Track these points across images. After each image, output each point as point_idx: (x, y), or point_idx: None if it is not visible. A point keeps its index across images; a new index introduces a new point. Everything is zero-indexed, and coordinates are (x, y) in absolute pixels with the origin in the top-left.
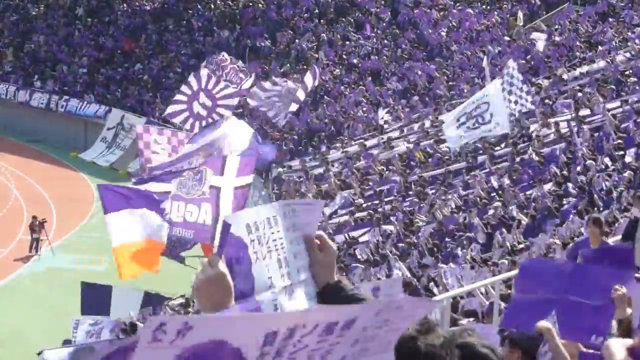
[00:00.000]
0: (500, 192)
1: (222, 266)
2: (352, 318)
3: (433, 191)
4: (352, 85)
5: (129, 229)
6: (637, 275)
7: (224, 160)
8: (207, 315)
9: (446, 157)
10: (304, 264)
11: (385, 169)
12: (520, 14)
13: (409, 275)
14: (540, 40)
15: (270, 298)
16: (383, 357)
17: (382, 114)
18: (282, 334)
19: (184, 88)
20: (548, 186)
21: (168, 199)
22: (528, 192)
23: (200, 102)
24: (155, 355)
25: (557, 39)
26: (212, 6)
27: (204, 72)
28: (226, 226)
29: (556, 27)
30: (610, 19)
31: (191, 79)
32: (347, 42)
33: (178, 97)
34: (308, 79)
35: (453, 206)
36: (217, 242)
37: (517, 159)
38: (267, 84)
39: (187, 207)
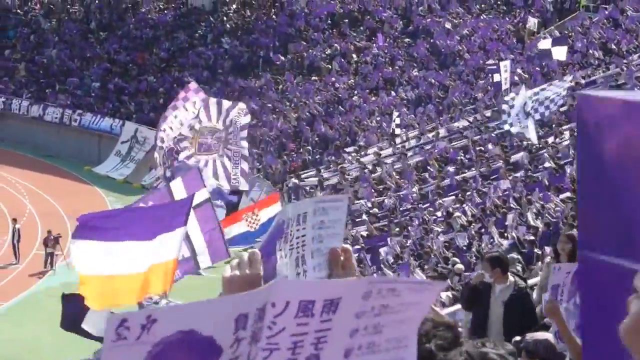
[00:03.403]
0: (517, 200)
1: (260, 266)
2: (331, 298)
3: (449, 200)
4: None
5: (96, 260)
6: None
7: (169, 190)
8: (169, 307)
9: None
10: (319, 262)
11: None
12: (533, 21)
13: None
14: (559, 51)
15: None
16: (399, 354)
17: (395, 119)
18: (253, 314)
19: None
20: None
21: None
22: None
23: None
24: (125, 354)
25: (577, 45)
26: (225, 18)
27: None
28: (279, 218)
29: (570, 34)
30: (623, 25)
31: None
32: (360, 52)
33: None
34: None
35: (469, 215)
36: (204, 261)
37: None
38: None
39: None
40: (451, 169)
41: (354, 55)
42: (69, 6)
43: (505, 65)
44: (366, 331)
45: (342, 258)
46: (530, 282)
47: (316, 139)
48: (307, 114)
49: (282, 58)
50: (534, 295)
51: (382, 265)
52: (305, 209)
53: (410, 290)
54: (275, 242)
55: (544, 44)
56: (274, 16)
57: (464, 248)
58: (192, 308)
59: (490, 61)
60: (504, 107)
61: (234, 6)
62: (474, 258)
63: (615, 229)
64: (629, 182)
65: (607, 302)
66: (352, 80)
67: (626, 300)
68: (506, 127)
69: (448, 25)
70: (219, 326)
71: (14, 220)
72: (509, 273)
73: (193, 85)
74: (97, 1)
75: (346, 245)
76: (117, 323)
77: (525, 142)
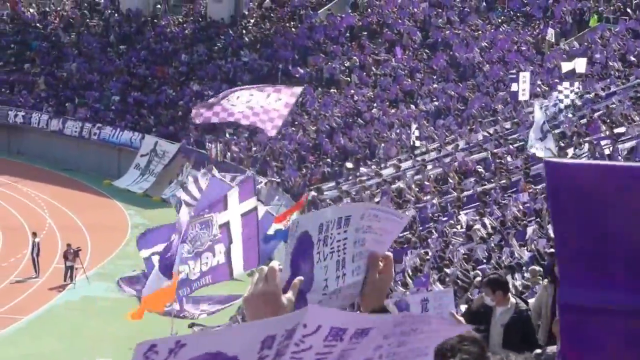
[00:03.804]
0: (537, 212)
1: (278, 281)
2: (362, 328)
3: (469, 212)
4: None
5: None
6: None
7: (225, 198)
8: (200, 333)
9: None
10: (359, 265)
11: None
12: (552, 33)
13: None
14: (578, 63)
15: (316, 299)
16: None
17: (414, 130)
18: (281, 335)
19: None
20: None
21: (185, 262)
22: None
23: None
24: None
25: (596, 56)
26: (244, 31)
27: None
28: (300, 225)
29: (589, 45)
30: None
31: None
32: (379, 65)
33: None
34: (286, 94)
35: (489, 227)
36: (238, 268)
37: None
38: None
39: (202, 259)
40: (471, 181)
41: (373, 68)
42: (88, 20)
43: (524, 76)
44: (390, 347)
45: (381, 264)
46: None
47: (335, 151)
48: (327, 126)
49: (301, 71)
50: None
51: (403, 277)
52: (349, 212)
53: (440, 323)
54: (305, 250)
55: (567, 66)
56: (293, 29)
57: (484, 260)
58: (222, 332)
59: (513, 71)
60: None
61: (253, 19)
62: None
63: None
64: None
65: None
66: (371, 93)
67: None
68: (532, 150)
69: (467, 37)
70: (245, 347)
71: (34, 234)
72: (510, 295)
73: None
74: (116, 15)
75: (388, 253)
76: (145, 348)
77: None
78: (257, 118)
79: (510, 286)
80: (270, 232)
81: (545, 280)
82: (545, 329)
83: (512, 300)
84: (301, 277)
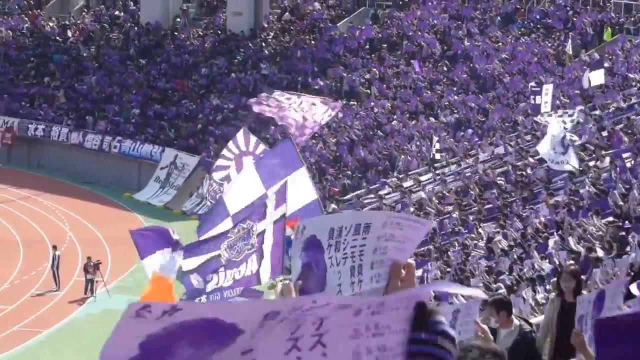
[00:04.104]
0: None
1: (293, 297)
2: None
3: (490, 224)
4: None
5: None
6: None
7: (265, 206)
8: (196, 302)
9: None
10: (379, 272)
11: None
12: (569, 45)
13: None
14: (597, 76)
15: None
16: (412, 291)
17: (435, 143)
18: (286, 312)
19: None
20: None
21: (218, 269)
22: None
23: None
24: (138, 326)
25: (617, 68)
26: (263, 44)
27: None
28: (307, 230)
29: (610, 56)
30: None
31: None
32: (399, 76)
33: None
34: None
35: (510, 240)
36: (265, 275)
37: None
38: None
39: (238, 268)
40: (493, 192)
41: (393, 80)
42: (108, 33)
43: (547, 88)
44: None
45: (403, 272)
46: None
47: (356, 163)
48: (346, 138)
49: (321, 83)
50: (539, 333)
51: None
52: (368, 219)
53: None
54: (315, 255)
55: (595, 79)
56: (312, 41)
57: (505, 273)
58: (221, 304)
59: (533, 83)
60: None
61: (273, 32)
62: (515, 283)
63: None
64: None
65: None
66: (391, 105)
67: None
68: (553, 165)
69: (487, 49)
70: (245, 317)
71: (54, 247)
72: (513, 316)
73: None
74: (136, 28)
75: (411, 260)
76: (139, 307)
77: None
78: (297, 125)
79: (531, 299)
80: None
81: (553, 294)
82: (552, 345)
83: (516, 322)
84: (300, 281)
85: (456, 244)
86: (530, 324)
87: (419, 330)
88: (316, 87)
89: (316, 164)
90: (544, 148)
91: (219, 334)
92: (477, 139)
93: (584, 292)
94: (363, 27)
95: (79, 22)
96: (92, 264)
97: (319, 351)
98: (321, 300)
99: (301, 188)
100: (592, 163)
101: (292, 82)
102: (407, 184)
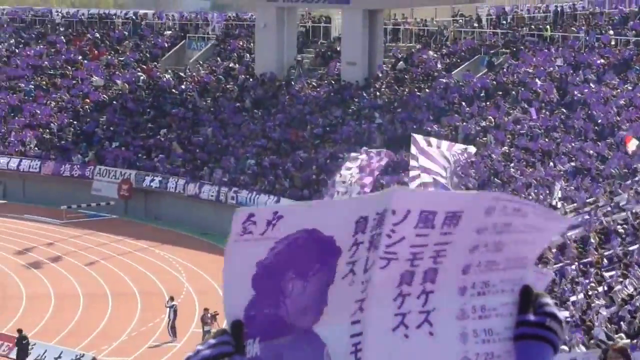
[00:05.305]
0: None
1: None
2: (453, 210)
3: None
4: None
5: None
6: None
7: None
8: (294, 204)
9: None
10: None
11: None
12: None
13: None
14: None
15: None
16: (518, 273)
17: (557, 192)
18: (372, 218)
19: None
20: None
21: None
22: None
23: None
24: (248, 250)
25: None
26: (377, 93)
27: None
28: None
29: None
30: None
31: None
32: (516, 124)
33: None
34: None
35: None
36: None
37: None
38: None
39: None
40: (618, 240)
41: (510, 127)
42: (223, 85)
43: None
44: (486, 248)
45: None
46: None
47: None
48: (462, 187)
49: (436, 128)
50: None
51: None
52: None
53: (536, 214)
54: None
55: None
56: (426, 90)
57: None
58: (317, 206)
59: None
60: None
61: (386, 81)
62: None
63: None
64: None
65: None
66: (508, 152)
67: None
68: None
69: (605, 96)
70: (340, 227)
71: (171, 298)
72: None
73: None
74: (251, 79)
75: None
76: (244, 217)
77: None
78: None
79: None
80: None
81: None
82: None
83: None
84: None
85: (576, 293)
86: None
87: (525, 313)
88: (432, 133)
89: None
90: None
91: (320, 254)
92: (596, 187)
93: None
94: (478, 76)
95: (194, 74)
96: (209, 315)
97: (426, 329)
98: (398, 206)
99: None
100: None
101: (406, 131)
102: None
